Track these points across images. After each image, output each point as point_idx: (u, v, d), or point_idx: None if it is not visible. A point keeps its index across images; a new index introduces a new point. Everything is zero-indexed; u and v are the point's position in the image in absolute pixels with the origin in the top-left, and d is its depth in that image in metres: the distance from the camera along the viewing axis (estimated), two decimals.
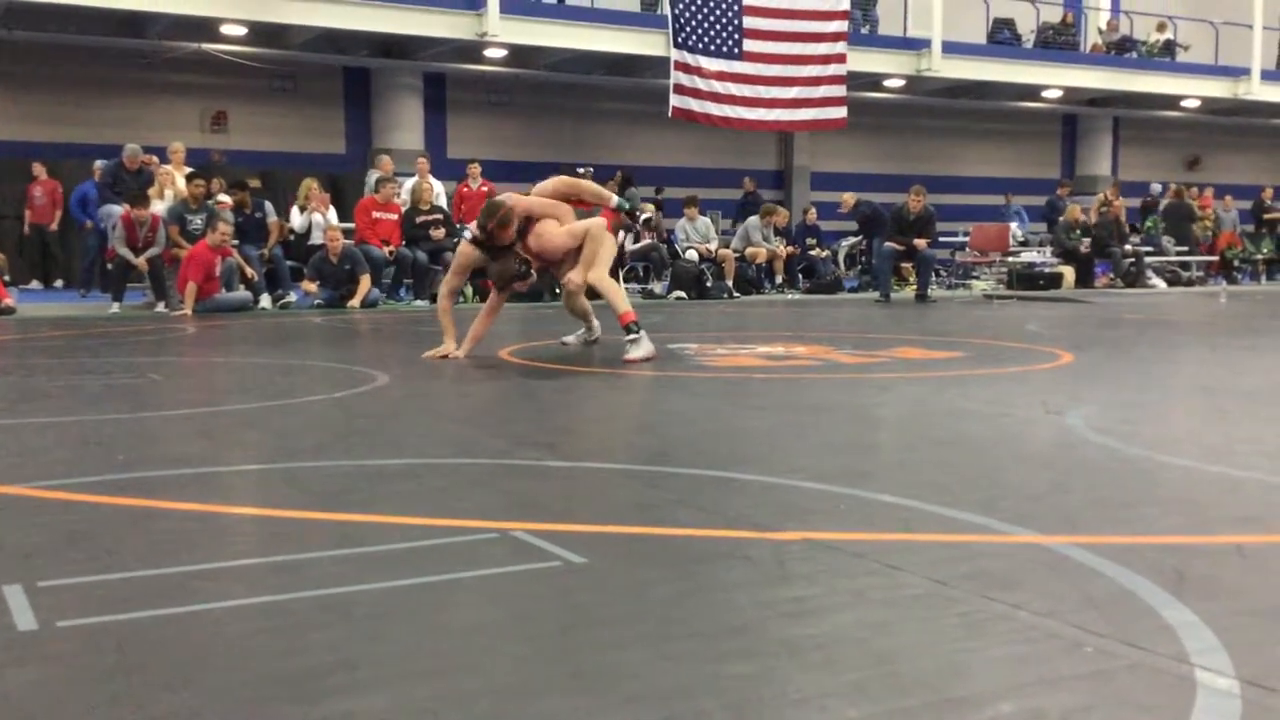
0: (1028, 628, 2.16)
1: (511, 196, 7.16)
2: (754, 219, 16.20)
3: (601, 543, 2.77)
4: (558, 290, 12.43)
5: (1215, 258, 20.21)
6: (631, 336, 6.84)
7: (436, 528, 2.91)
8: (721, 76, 18.13)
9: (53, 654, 2.04)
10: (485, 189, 14.59)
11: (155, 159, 13.47)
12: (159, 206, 12.12)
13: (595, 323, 7.69)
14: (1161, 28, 23.90)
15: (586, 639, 2.12)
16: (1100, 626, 2.14)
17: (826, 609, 2.28)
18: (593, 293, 7.23)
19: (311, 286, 12.05)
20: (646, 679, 1.91)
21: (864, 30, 20.45)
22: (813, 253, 17.15)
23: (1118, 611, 2.24)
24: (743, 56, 18.26)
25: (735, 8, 18.12)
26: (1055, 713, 1.78)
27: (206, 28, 16.51)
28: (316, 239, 12.68)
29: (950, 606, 2.28)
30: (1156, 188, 21.60)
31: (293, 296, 12.21)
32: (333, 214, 13.14)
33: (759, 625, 2.19)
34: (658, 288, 14.80)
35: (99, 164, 13.99)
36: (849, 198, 17.92)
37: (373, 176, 13.82)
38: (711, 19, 17.97)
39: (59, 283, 15.50)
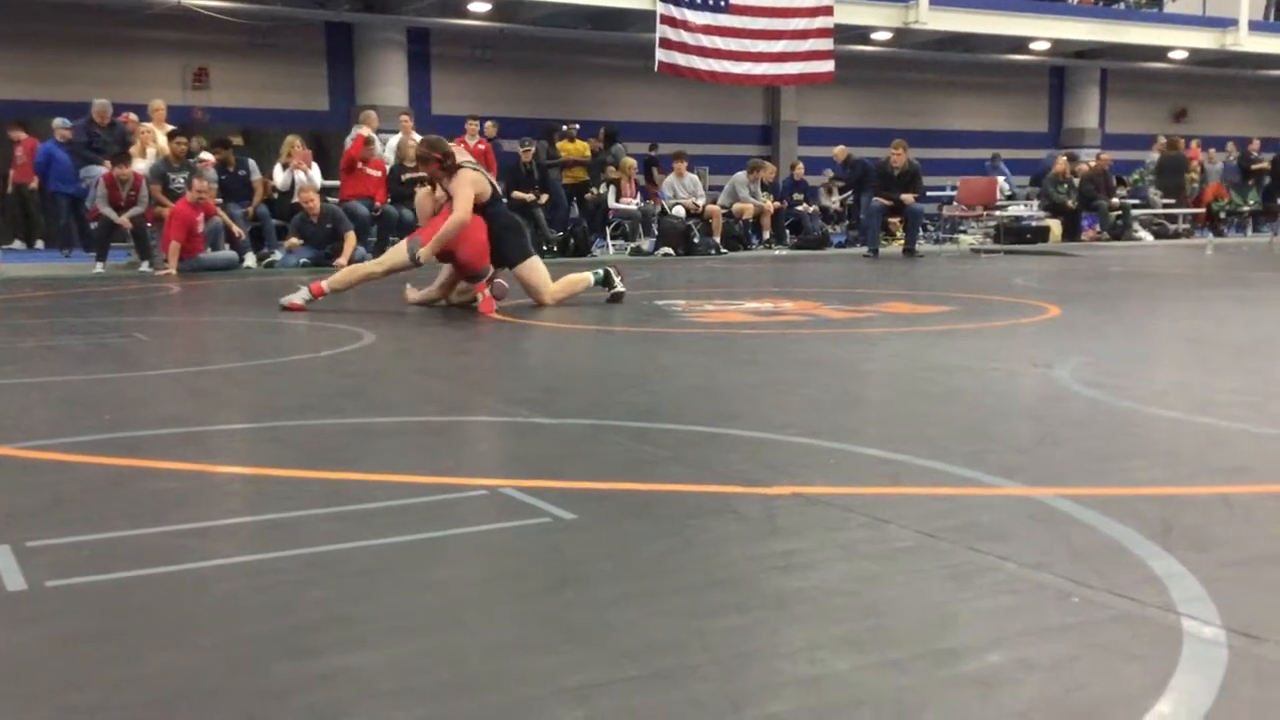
0: (1016, 579, 2.17)
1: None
2: (741, 175, 16.12)
3: (591, 499, 2.78)
4: (545, 248, 12.45)
5: (1202, 210, 20.20)
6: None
7: (426, 485, 2.91)
8: (708, 30, 17.96)
9: (42, 614, 2.03)
10: (482, 145, 14.47)
11: (134, 117, 13.30)
12: (141, 165, 12.00)
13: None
14: None
15: (576, 595, 2.12)
16: (1088, 577, 2.16)
17: (816, 563, 2.29)
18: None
19: (295, 242, 11.97)
20: (637, 634, 1.92)
21: None
22: (800, 208, 17.09)
23: (1105, 562, 2.26)
24: (729, 9, 18.10)
25: None
26: (1043, 663, 1.79)
27: None
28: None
29: (939, 559, 2.29)
30: None
31: (277, 255, 12.14)
32: (316, 171, 13.02)
33: (749, 579, 2.20)
34: (645, 244, 14.76)
35: (58, 122, 13.79)
36: (840, 151, 17.84)
37: (360, 131, 13.62)
38: None
39: (40, 243, 15.37)
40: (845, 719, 1.63)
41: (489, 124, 14.93)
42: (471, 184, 7.35)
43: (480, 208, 7.39)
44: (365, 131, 13.21)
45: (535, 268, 7.69)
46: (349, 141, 13.54)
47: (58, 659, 1.84)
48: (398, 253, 7.56)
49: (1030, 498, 2.75)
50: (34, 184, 14.85)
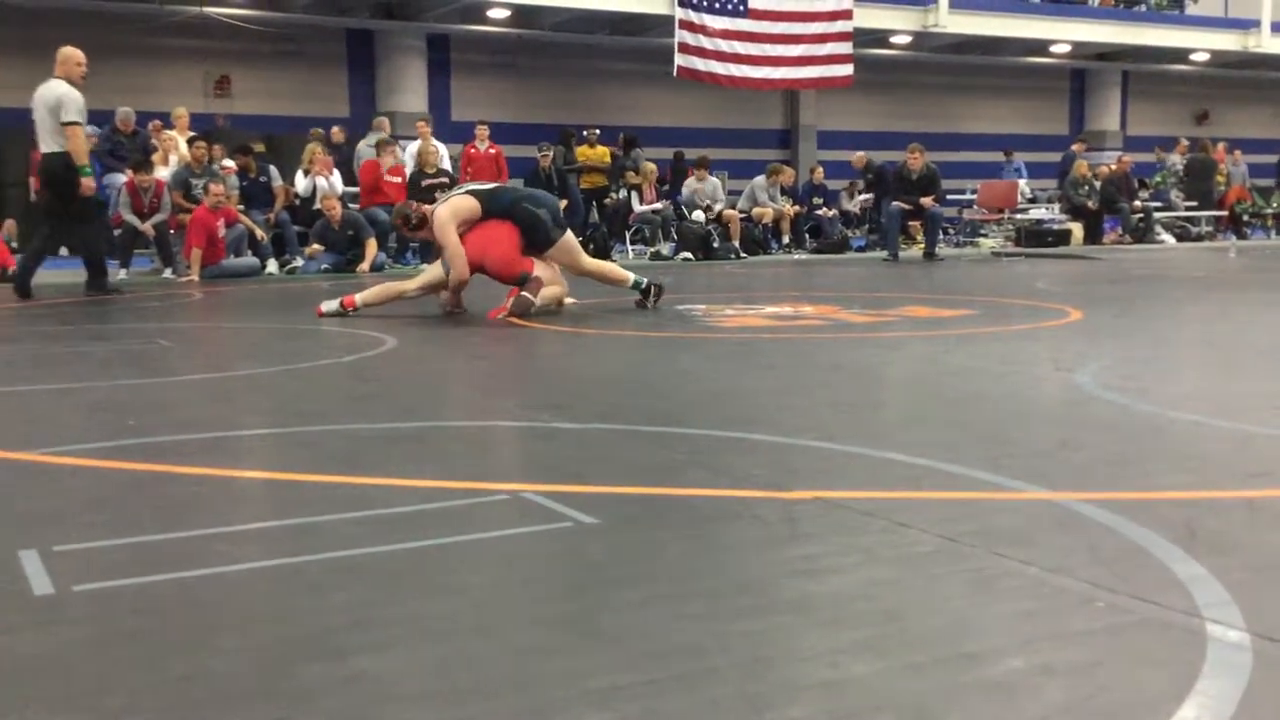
0: (1038, 583, 2.17)
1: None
2: (760, 179, 16.10)
3: (612, 503, 2.78)
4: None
5: (1225, 213, 20.03)
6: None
7: (449, 490, 2.92)
8: (727, 35, 17.95)
9: (70, 618, 2.05)
10: (493, 151, 14.50)
11: (160, 124, 13.39)
12: (163, 172, 12.09)
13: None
14: None
15: (598, 599, 2.13)
16: (1111, 582, 2.15)
17: (837, 567, 2.29)
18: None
19: (317, 248, 12.03)
20: (658, 637, 1.92)
21: None
22: (819, 212, 17.06)
23: (1128, 566, 2.25)
24: (748, 14, 18.08)
25: None
26: (1065, 668, 1.79)
27: None
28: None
29: (960, 563, 2.29)
30: None
31: (299, 261, 12.20)
32: (337, 178, 13.08)
33: (770, 583, 2.20)
34: (665, 249, 14.76)
35: (90, 130, 13.88)
36: (860, 158, 17.80)
37: (373, 139, 13.66)
38: None
39: (64, 250, 15.47)
40: None
41: (480, 128, 14.83)
42: (451, 216, 7.27)
43: (496, 213, 7.34)
44: (383, 158, 13.13)
45: (564, 248, 7.65)
46: (359, 156, 13.56)
47: (85, 662, 1.86)
48: (431, 271, 7.74)
49: (1052, 502, 2.75)
50: None
